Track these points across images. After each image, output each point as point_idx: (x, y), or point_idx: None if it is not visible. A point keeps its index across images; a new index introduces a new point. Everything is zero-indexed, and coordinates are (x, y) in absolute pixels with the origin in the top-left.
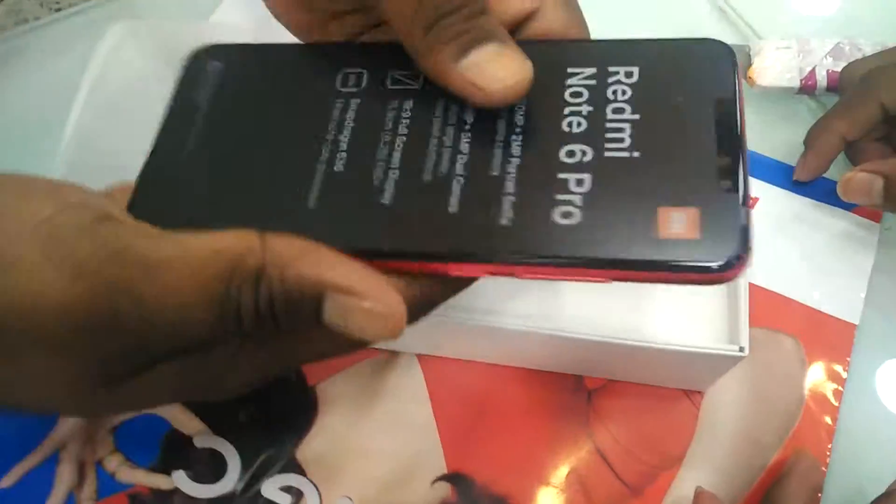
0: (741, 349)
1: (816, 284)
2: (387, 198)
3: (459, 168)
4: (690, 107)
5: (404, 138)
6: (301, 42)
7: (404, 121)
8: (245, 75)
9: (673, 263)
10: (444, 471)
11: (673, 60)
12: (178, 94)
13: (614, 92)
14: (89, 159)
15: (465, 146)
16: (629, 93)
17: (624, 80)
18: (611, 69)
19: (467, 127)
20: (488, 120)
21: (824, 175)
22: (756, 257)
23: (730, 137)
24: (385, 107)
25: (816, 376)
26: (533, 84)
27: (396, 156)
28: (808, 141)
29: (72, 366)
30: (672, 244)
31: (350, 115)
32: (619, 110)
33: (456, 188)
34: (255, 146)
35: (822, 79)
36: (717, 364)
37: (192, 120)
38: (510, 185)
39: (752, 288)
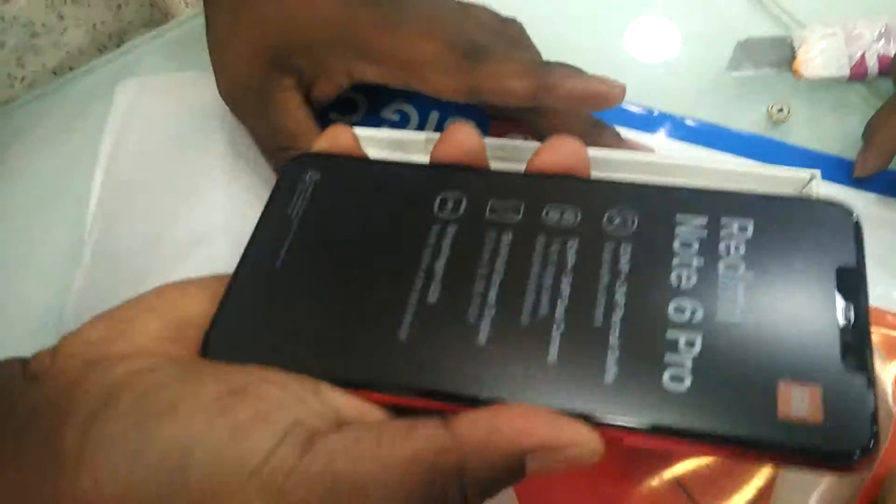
0: None
1: (891, 287)
2: (480, 338)
3: (559, 313)
4: (810, 272)
5: (502, 275)
6: (400, 161)
7: (502, 255)
8: (339, 191)
9: (794, 448)
10: None
11: (790, 218)
12: (272, 203)
13: (727, 247)
14: (115, 237)
15: (565, 290)
16: (743, 249)
17: (737, 233)
18: (723, 220)
19: (569, 268)
20: (591, 262)
21: (888, 168)
22: None
23: (854, 311)
24: (482, 237)
25: None
26: (639, 229)
27: (493, 292)
28: (868, 134)
29: None
30: (793, 426)
31: (446, 243)
32: (733, 267)
33: (555, 335)
34: (349, 270)
35: (872, 64)
36: None
37: (283, 235)
38: (614, 339)
39: None
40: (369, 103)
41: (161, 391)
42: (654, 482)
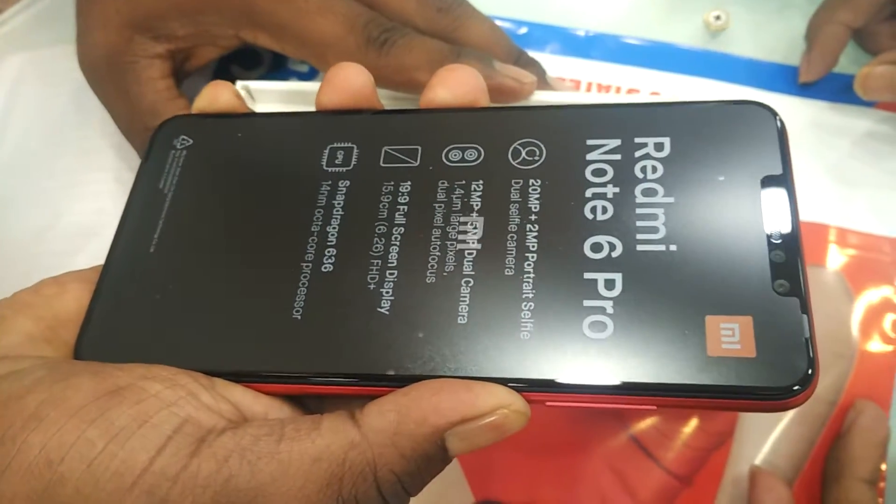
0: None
1: (848, 201)
2: (384, 305)
3: (467, 267)
4: (734, 188)
5: (402, 230)
6: (280, 111)
7: (401, 208)
8: (217, 155)
9: (729, 388)
10: (472, 501)
11: (709, 128)
12: (141, 178)
13: (643, 169)
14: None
15: (472, 238)
16: (661, 170)
17: (654, 153)
18: (637, 140)
19: (474, 213)
20: (498, 204)
21: (834, 70)
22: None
23: (783, 226)
24: (378, 190)
25: (867, 309)
26: (547, 161)
27: (394, 252)
28: (809, 35)
29: None
30: (725, 364)
31: (338, 200)
32: (651, 192)
33: (465, 292)
34: (231, 244)
35: None
36: None
37: (155, 214)
38: (528, 289)
39: None
40: (274, 55)
41: (28, 397)
42: (612, 443)
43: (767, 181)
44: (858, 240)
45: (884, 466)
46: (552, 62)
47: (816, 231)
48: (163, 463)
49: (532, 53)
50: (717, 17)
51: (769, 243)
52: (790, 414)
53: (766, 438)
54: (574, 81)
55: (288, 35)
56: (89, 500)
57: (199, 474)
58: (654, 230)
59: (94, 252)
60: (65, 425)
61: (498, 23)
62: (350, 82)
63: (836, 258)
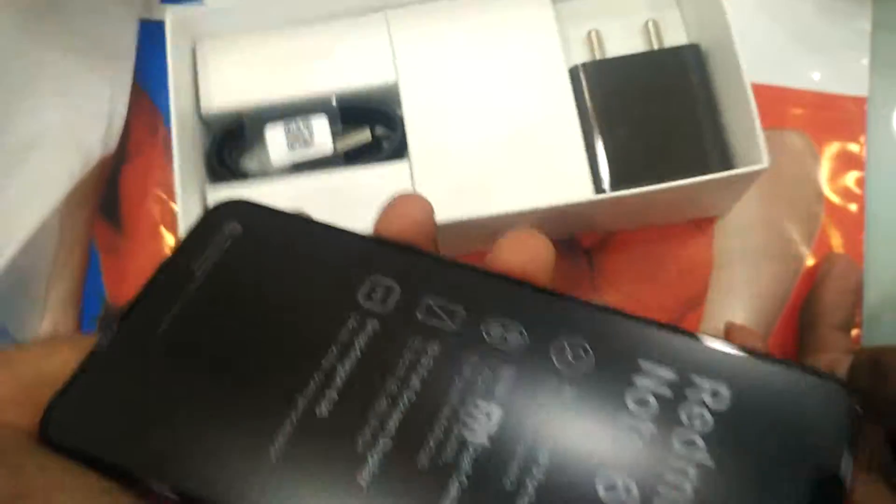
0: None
1: (813, 63)
2: (364, 476)
3: (466, 463)
4: (781, 472)
5: (413, 397)
6: (338, 226)
7: (422, 371)
8: (258, 252)
9: None
10: None
11: (776, 390)
12: (178, 251)
13: (690, 416)
14: None
15: (483, 431)
16: (710, 424)
17: (708, 401)
18: (695, 379)
19: (493, 402)
20: (520, 402)
21: None
22: (739, 48)
23: None
24: (404, 344)
25: (832, 166)
26: (591, 367)
27: (395, 418)
28: None
29: None
30: None
31: (360, 341)
32: (691, 444)
33: (454, 492)
34: (238, 354)
35: None
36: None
37: (177, 294)
38: None
39: None
40: None
41: None
42: None
43: (820, 470)
44: (823, 100)
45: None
46: None
47: (780, 93)
48: None
49: None
50: None
51: None
52: (761, 273)
53: (739, 299)
54: None
55: None
56: None
57: None
58: (681, 489)
59: (34, 165)
60: None
61: None
62: (412, 213)
63: (803, 120)
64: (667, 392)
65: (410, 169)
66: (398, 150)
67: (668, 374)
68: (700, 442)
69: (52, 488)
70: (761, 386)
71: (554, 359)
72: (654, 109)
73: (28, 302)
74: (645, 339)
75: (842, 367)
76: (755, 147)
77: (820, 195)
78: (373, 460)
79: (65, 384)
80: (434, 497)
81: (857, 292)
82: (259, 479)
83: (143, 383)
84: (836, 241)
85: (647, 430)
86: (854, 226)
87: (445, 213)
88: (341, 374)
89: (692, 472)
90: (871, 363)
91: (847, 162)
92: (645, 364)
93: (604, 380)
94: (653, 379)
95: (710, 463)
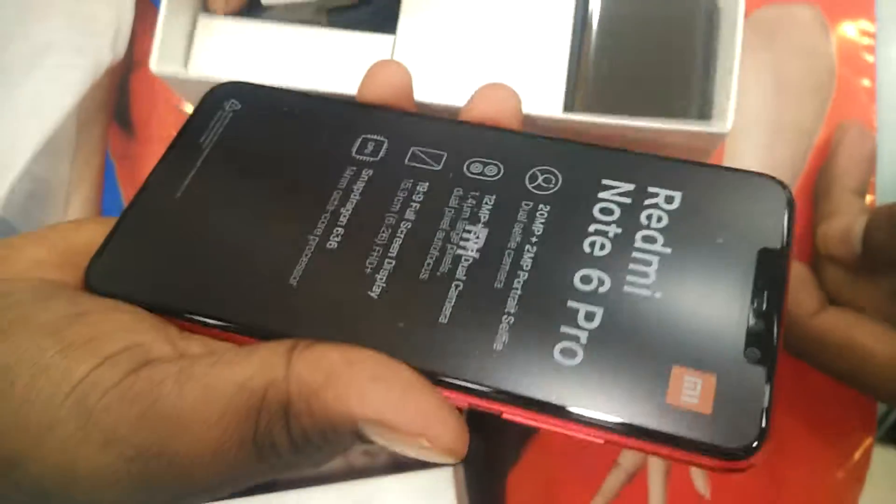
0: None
1: None
2: (374, 290)
3: (461, 271)
4: (730, 251)
5: (409, 225)
6: (325, 94)
7: (414, 205)
8: (259, 123)
9: (675, 437)
10: None
11: (721, 191)
12: (186, 129)
13: (649, 217)
14: None
15: (472, 247)
16: (665, 221)
17: (663, 204)
18: (651, 189)
19: (480, 224)
20: (505, 221)
21: None
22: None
23: (769, 298)
24: (398, 185)
25: (843, 38)
26: (560, 191)
27: (396, 243)
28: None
29: None
30: (679, 414)
31: (358, 187)
32: (650, 239)
33: (452, 294)
34: (251, 206)
35: None
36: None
37: (191, 163)
38: (511, 303)
39: None
40: None
41: (4, 313)
42: None
43: (764, 253)
44: None
45: (873, 180)
46: None
47: None
48: (97, 376)
49: None
50: None
51: (751, 311)
52: (774, 145)
53: (753, 164)
54: None
55: None
56: (33, 405)
57: (130, 391)
58: (645, 275)
59: (50, 68)
60: (24, 338)
61: None
62: (391, 80)
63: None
64: (627, 201)
65: (394, 45)
66: (388, 19)
67: (627, 187)
68: (658, 236)
69: (108, 309)
70: (709, 187)
71: (528, 185)
72: (652, 43)
73: (48, 211)
74: (606, 162)
75: (858, 227)
76: (726, 109)
77: (832, 68)
78: (380, 277)
79: (101, 244)
80: (436, 299)
81: (871, 159)
82: (283, 302)
83: (171, 236)
84: (850, 114)
85: (613, 232)
86: (866, 99)
87: (416, 93)
88: (345, 213)
89: (653, 259)
90: (888, 217)
91: (858, 33)
92: (607, 181)
93: (573, 197)
94: (614, 192)
95: (667, 251)
